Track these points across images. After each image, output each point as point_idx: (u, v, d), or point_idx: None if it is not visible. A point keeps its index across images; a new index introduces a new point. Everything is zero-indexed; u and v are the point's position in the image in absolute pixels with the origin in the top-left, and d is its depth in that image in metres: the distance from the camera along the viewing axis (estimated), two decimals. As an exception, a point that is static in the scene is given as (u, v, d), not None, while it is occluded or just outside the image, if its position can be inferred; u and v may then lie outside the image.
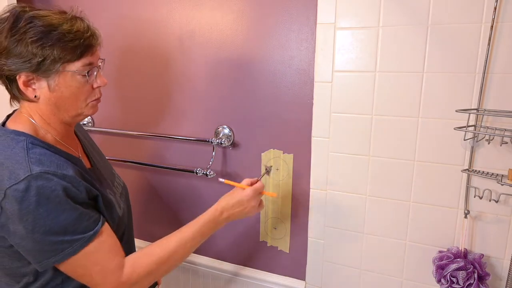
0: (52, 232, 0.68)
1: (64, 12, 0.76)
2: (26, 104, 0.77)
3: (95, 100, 0.82)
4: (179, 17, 1.25)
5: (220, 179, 0.98)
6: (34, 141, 0.73)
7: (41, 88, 0.74)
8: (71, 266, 0.73)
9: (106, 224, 0.77)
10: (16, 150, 0.70)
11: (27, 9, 0.72)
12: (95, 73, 0.79)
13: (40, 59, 0.70)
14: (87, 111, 0.81)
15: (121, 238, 0.86)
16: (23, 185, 0.66)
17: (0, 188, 0.66)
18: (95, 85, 0.80)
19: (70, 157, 0.79)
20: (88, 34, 0.76)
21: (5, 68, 0.71)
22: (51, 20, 0.72)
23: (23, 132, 0.74)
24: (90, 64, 0.77)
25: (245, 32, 1.17)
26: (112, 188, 0.89)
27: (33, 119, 0.77)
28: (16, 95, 0.76)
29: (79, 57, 0.74)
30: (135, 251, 0.94)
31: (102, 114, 1.42)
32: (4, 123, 0.78)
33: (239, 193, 0.91)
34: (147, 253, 0.80)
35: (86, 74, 0.76)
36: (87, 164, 0.87)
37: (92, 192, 0.77)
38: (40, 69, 0.71)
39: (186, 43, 1.26)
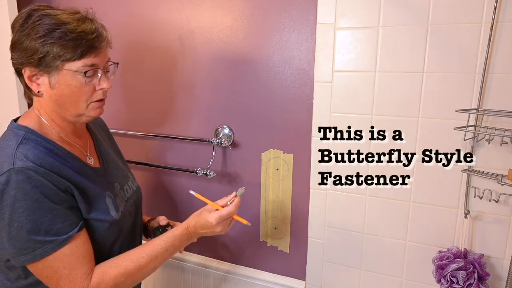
0: (26, 229, 0.69)
1: (77, 12, 0.77)
2: (35, 99, 0.80)
3: (97, 101, 0.81)
4: (179, 17, 1.25)
5: (191, 192, 0.95)
6: (31, 136, 0.75)
7: (44, 84, 0.76)
8: (41, 267, 0.72)
9: (84, 230, 0.76)
10: (10, 143, 0.73)
11: (41, 7, 0.75)
12: (98, 75, 0.79)
13: (41, 55, 0.72)
14: (88, 112, 0.81)
15: (113, 242, 0.84)
16: (4, 177, 0.68)
17: None
18: (97, 87, 0.79)
19: (69, 155, 0.79)
20: (94, 35, 0.75)
21: (14, 61, 0.75)
22: (59, 19, 0.73)
23: (25, 126, 0.76)
24: (92, 65, 0.76)
25: (245, 32, 1.17)
26: (114, 190, 0.89)
27: (40, 115, 0.79)
28: (25, 89, 0.79)
29: (79, 56, 0.74)
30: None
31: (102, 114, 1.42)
32: (18, 119, 0.81)
33: (205, 216, 0.87)
34: (118, 264, 0.78)
35: (84, 75, 0.75)
36: (95, 163, 0.88)
37: (76, 190, 0.76)
38: (41, 65, 0.73)
39: (186, 43, 1.26)
